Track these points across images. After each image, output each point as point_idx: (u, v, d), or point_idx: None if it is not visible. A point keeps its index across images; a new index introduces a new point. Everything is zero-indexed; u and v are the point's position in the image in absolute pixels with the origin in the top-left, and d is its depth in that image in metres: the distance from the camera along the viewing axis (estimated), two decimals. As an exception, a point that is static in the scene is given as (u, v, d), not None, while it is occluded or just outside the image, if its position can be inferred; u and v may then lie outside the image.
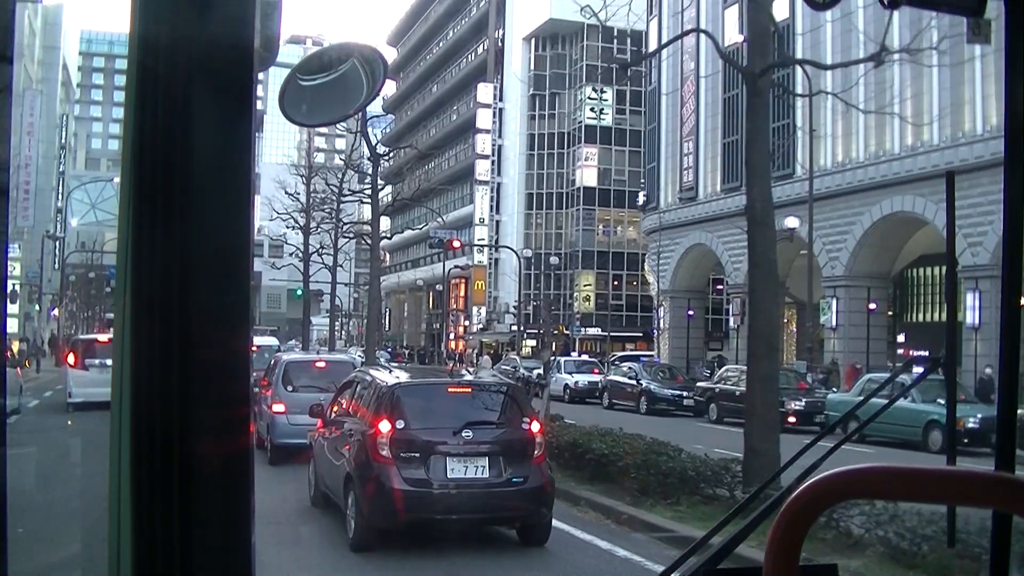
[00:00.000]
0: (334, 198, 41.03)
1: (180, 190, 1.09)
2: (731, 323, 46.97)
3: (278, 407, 16.26)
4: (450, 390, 10.29)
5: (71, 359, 25.34)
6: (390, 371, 12.13)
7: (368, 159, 33.85)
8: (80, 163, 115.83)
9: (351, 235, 44.36)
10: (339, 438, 10.76)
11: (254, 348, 19.88)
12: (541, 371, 16.91)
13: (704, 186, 50.33)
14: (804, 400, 27.58)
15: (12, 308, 55.43)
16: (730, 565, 1.87)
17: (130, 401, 1.08)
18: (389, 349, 65.78)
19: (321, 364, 18.50)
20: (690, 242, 50.64)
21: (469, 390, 10.37)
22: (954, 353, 1.96)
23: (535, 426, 9.97)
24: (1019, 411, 1.89)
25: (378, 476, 9.24)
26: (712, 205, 48.86)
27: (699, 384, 33.77)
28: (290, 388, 16.80)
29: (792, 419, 26.61)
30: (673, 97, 52.71)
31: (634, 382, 34.01)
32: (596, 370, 40.22)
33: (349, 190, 39.76)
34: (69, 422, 21.30)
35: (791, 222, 37.23)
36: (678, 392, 33.16)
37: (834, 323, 40.58)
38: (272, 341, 30.07)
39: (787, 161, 43.44)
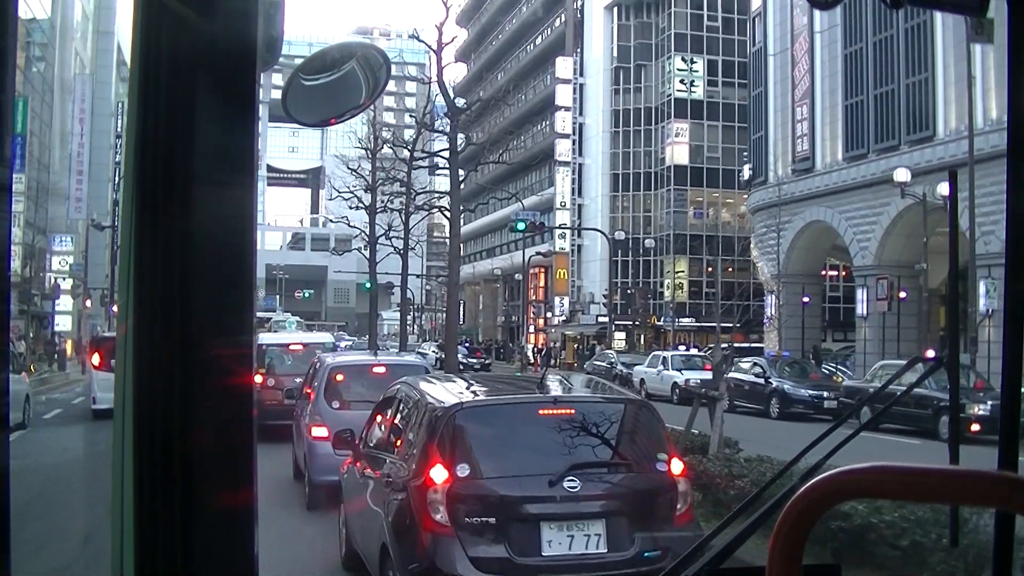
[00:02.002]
0: (404, 165, 35.14)
1: (182, 190, 1.10)
2: (862, 310, 40.99)
3: (318, 430, 11.01)
4: (541, 412, 6.57)
5: (96, 359, 22.32)
6: (454, 380, 8.54)
7: (446, 115, 28.59)
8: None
9: (426, 208, 38.49)
10: (375, 483, 7.28)
11: (301, 347, 14.80)
12: (710, 378, 12.05)
13: (822, 156, 44.48)
14: (989, 403, 22.07)
15: (64, 305, 52.07)
16: (732, 565, 1.84)
17: (132, 400, 1.08)
18: (467, 344, 60.85)
19: (380, 369, 12.78)
20: (806, 219, 44.77)
21: (571, 412, 6.55)
22: (956, 352, 1.92)
23: (676, 465, 6.47)
24: None
25: (431, 553, 5.95)
26: (832, 176, 43.11)
27: (845, 383, 28.30)
28: (336, 404, 11.63)
29: (976, 427, 21.51)
30: (782, 58, 47.12)
31: (762, 381, 28.98)
32: (708, 366, 35.16)
33: (423, 151, 34.10)
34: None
35: (945, 189, 31.84)
36: (816, 392, 27.95)
37: (991, 308, 34.58)
38: (326, 338, 24.71)
39: (927, 122, 37.70)
